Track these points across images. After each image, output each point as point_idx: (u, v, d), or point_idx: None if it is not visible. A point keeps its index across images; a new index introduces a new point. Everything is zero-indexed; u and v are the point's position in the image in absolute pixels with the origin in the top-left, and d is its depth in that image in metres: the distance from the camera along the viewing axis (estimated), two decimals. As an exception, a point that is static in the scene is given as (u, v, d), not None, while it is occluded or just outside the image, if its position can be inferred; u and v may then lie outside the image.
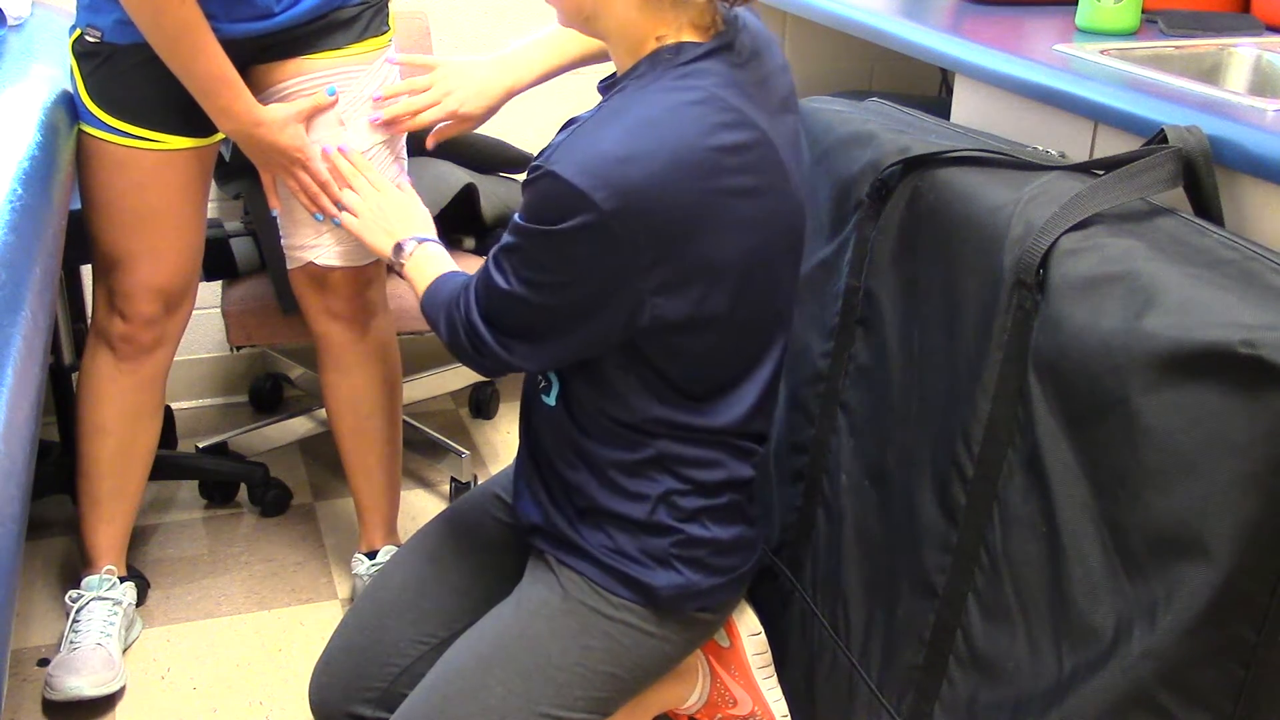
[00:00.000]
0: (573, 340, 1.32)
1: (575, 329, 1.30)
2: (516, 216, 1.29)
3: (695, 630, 1.47)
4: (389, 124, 1.84)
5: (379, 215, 1.69)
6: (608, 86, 1.35)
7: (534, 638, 1.39)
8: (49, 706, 1.95)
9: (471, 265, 2.50)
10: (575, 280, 1.26)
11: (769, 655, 1.60)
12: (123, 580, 2.09)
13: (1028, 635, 1.25)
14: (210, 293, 2.50)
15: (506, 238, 1.31)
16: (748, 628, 1.58)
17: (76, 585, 2.06)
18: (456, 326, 1.40)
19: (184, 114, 1.80)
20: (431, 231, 1.66)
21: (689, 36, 1.28)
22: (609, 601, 1.40)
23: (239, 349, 2.42)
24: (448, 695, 1.37)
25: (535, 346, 1.34)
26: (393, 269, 1.70)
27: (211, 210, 2.62)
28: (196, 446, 2.54)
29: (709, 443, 1.39)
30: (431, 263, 1.57)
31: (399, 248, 1.61)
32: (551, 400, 1.41)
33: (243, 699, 1.99)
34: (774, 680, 1.60)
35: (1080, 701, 1.16)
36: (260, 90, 1.86)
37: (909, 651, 1.41)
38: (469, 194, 2.42)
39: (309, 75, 1.83)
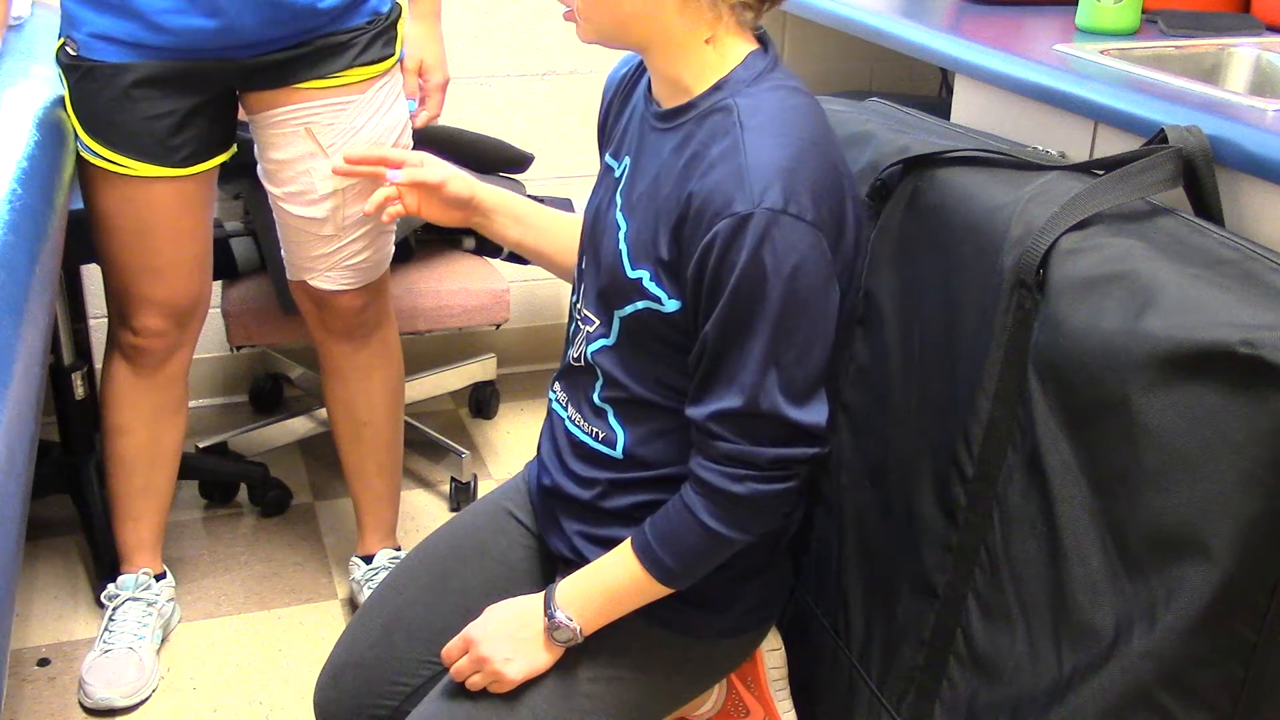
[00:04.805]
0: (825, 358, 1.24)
1: (830, 341, 1.24)
2: (751, 298, 1.17)
3: (729, 660, 1.44)
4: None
5: (511, 651, 1.33)
6: (668, 114, 1.28)
7: (563, 666, 1.34)
8: (58, 706, 1.95)
9: (471, 265, 2.50)
10: (829, 285, 1.21)
11: (786, 669, 1.59)
12: (159, 578, 2.11)
13: (1028, 635, 1.25)
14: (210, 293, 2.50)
15: (757, 332, 1.18)
16: (769, 643, 1.57)
17: (113, 580, 2.07)
18: (756, 481, 1.23)
19: (159, 143, 1.76)
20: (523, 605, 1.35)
21: (734, 36, 1.24)
22: (646, 634, 1.35)
23: (239, 349, 2.42)
24: (473, 716, 1.32)
25: (819, 387, 1.24)
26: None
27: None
28: (196, 446, 2.54)
29: None
30: (596, 577, 1.32)
31: (557, 639, 1.33)
32: (618, 453, 1.34)
33: (243, 699, 1.99)
34: (787, 693, 1.59)
35: (1080, 701, 1.16)
36: (252, 114, 1.84)
37: (909, 651, 1.41)
38: (469, 194, 2.41)
39: (297, 105, 1.80)
